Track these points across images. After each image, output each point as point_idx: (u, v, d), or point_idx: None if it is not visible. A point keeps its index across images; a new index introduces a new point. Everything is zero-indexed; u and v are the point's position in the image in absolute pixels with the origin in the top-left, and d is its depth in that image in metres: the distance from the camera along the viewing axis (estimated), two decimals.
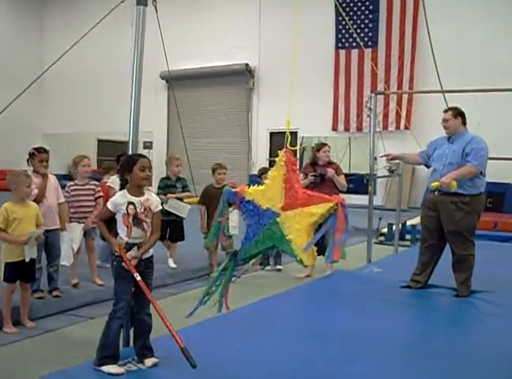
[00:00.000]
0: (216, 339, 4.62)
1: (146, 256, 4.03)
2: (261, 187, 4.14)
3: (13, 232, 4.99)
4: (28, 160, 5.87)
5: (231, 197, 4.20)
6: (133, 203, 3.96)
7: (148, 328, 4.07)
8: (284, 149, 4.16)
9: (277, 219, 3.97)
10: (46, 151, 5.91)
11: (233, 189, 4.26)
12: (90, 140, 23.20)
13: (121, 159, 4.16)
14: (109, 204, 3.97)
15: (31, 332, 5.07)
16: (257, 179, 7.80)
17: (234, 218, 7.43)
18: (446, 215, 6.08)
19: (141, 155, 4.14)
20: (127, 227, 3.94)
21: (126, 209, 3.93)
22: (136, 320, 4.08)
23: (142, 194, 4.03)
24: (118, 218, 3.96)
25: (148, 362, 3.97)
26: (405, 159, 7.13)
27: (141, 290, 3.96)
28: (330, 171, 7.30)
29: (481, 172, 6.01)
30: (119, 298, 3.96)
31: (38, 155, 5.81)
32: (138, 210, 3.98)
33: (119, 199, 3.97)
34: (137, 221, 3.97)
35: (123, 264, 3.88)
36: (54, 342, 4.88)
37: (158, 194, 7.14)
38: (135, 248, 3.95)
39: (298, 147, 17.15)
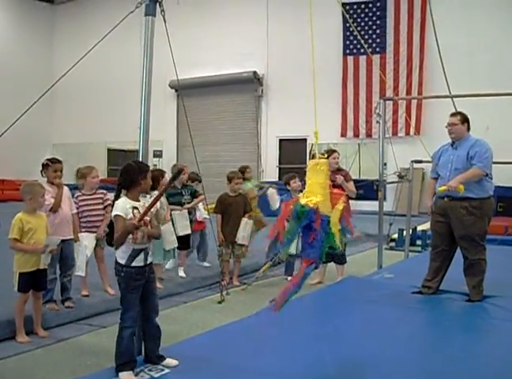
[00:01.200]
0: (228, 347, 4.62)
1: (149, 261, 4.05)
2: (319, 198, 3.83)
3: (28, 242, 5.02)
4: (41, 171, 5.89)
5: (310, 217, 3.75)
6: (137, 207, 3.98)
7: (160, 332, 4.14)
8: (319, 156, 4.10)
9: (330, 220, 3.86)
10: (59, 162, 5.93)
11: (308, 208, 3.76)
12: (100, 149, 23.32)
13: (133, 165, 4.07)
14: (119, 212, 3.89)
15: (44, 341, 5.08)
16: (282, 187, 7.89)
17: (246, 229, 7.46)
18: (456, 221, 6.07)
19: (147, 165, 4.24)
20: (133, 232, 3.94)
21: (133, 214, 3.94)
22: (149, 325, 4.11)
23: (139, 200, 4.06)
24: None
25: (171, 362, 4.07)
26: (433, 193, 6.56)
27: (150, 294, 4.04)
28: (340, 178, 7.28)
29: (487, 174, 5.99)
30: (128, 307, 3.98)
31: (52, 166, 5.83)
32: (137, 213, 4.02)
33: (124, 204, 3.94)
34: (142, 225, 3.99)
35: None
36: (66, 351, 4.89)
37: (172, 209, 7.16)
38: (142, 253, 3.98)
39: (317, 152, 17.06)
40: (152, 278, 4.14)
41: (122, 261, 3.94)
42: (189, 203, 7.58)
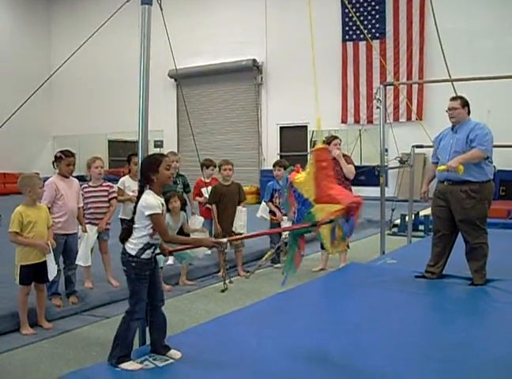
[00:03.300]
0: (233, 334, 4.64)
1: (155, 253, 4.05)
2: (301, 179, 4.29)
3: (28, 235, 5.02)
4: (53, 162, 5.87)
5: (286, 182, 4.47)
6: (163, 204, 4.00)
7: (166, 321, 4.16)
8: (315, 147, 4.43)
9: (311, 209, 4.14)
10: (73, 155, 5.89)
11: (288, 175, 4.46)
12: (101, 140, 23.29)
13: (144, 161, 4.09)
14: (158, 210, 3.86)
15: (48, 332, 5.10)
16: (269, 175, 7.92)
17: (242, 217, 7.44)
18: (456, 205, 6.07)
19: (163, 155, 4.16)
20: (153, 228, 3.92)
21: (162, 210, 3.93)
22: (156, 314, 4.11)
23: (161, 196, 4.04)
24: (145, 220, 3.90)
25: (176, 354, 4.07)
26: (432, 177, 6.72)
27: (156, 284, 4.07)
28: (335, 152, 7.29)
29: (488, 157, 5.97)
30: (139, 298, 3.96)
31: (65, 159, 5.79)
32: (164, 210, 4.03)
33: (156, 201, 3.90)
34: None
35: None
36: (71, 342, 4.91)
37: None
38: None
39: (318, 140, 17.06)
40: (157, 269, 4.14)
41: (133, 252, 3.91)
42: (181, 193, 7.32)
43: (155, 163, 3.96)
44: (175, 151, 7.95)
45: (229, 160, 7.81)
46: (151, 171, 3.94)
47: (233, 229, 7.38)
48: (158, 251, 4.11)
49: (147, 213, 3.84)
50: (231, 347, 4.32)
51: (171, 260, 7.33)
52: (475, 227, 6.05)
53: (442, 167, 5.94)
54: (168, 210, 6.22)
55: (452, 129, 6.28)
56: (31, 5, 24.25)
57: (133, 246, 3.93)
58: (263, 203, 8.11)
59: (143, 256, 3.92)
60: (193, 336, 4.56)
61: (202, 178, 7.91)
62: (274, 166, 7.97)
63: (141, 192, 3.99)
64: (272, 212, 7.89)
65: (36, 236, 5.05)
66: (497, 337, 4.58)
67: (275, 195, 7.81)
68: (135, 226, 3.93)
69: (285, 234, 7.38)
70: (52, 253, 5.16)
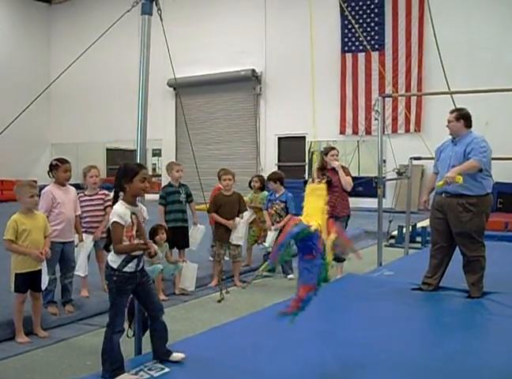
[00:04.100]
0: (229, 345, 4.62)
1: (140, 266, 3.99)
2: (318, 221, 3.93)
3: (22, 243, 5.00)
4: (48, 172, 5.85)
5: (313, 239, 3.82)
6: (134, 213, 3.92)
7: (167, 329, 4.14)
8: (317, 181, 4.25)
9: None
10: (68, 162, 5.88)
11: (311, 229, 3.80)
12: (99, 149, 23.30)
13: (121, 167, 4.02)
14: (118, 219, 3.80)
15: (43, 341, 5.08)
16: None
17: (240, 229, 7.41)
18: (453, 217, 6.07)
19: (142, 166, 4.06)
20: (130, 239, 3.87)
21: (131, 220, 3.88)
22: (157, 324, 4.10)
23: (136, 204, 3.98)
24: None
25: (178, 356, 4.10)
26: (431, 187, 6.64)
27: (150, 295, 4.04)
28: (335, 163, 7.32)
29: (482, 170, 5.92)
30: (118, 311, 3.92)
31: (62, 166, 5.77)
32: (140, 220, 3.98)
33: (122, 210, 3.86)
34: (138, 232, 3.95)
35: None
36: (66, 351, 4.89)
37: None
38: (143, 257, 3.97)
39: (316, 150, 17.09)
40: (146, 280, 4.07)
41: (115, 265, 3.86)
42: (184, 202, 7.32)
43: (130, 172, 3.91)
44: (175, 161, 7.89)
45: (229, 170, 7.77)
46: (124, 180, 3.89)
47: (230, 240, 7.35)
48: (143, 264, 4.05)
49: (110, 221, 3.83)
50: (227, 358, 4.30)
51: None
52: (472, 240, 6.04)
53: (441, 183, 5.92)
54: (154, 241, 6.25)
55: (452, 141, 6.29)
56: (30, 13, 24.29)
57: (114, 258, 3.88)
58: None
59: (125, 269, 3.85)
60: (189, 346, 4.53)
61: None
62: (268, 180, 7.99)
63: (115, 198, 3.94)
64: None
65: (31, 245, 5.03)
66: (494, 350, 4.57)
67: (268, 205, 7.83)
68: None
69: (268, 242, 7.45)
70: (45, 263, 5.13)
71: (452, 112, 6.32)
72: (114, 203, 3.94)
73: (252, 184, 8.48)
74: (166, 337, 4.14)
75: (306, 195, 4.09)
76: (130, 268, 3.88)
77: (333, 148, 7.63)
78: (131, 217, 3.88)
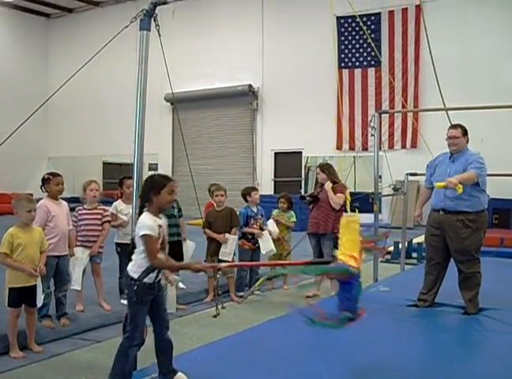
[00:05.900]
0: (225, 360, 4.60)
1: (158, 278, 3.96)
2: (357, 257, 4.09)
3: (17, 257, 4.98)
4: (41, 186, 5.84)
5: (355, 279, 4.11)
6: (161, 225, 3.89)
7: (172, 346, 4.08)
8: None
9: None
10: (60, 175, 5.89)
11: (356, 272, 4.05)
12: (96, 163, 23.30)
13: (148, 179, 4.00)
14: (150, 232, 3.75)
15: (37, 356, 5.04)
16: (263, 199, 7.95)
17: (228, 245, 7.37)
18: (452, 234, 6.06)
19: (170, 179, 4.03)
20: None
21: (158, 233, 3.85)
22: (163, 340, 4.04)
23: (160, 217, 3.95)
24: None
25: (182, 377, 4.05)
26: (424, 201, 6.75)
27: (162, 310, 4.02)
28: (327, 185, 7.37)
29: (479, 184, 5.95)
30: (138, 323, 3.87)
31: (54, 179, 5.76)
32: (165, 232, 3.95)
33: (152, 221, 3.82)
34: (162, 245, 3.91)
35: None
36: (60, 366, 4.85)
37: None
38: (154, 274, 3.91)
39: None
40: (161, 294, 4.08)
41: (135, 275, 3.82)
42: (177, 217, 7.11)
43: (159, 184, 3.89)
44: (170, 175, 7.87)
45: (221, 185, 7.75)
46: (152, 192, 3.86)
47: (220, 256, 7.33)
48: (161, 276, 4.03)
49: (140, 234, 3.79)
50: (222, 374, 4.28)
51: (182, 284, 7.29)
52: (470, 257, 6.05)
53: (441, 184, 5.84)
54: None
55: (450, 157, 6.27)
56: (29, 26, 24.40)
57: (135, 269, 3.85)
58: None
59: (145, 279, 3.83)
60: (184, 362, 4.50)
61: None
62: (252, 190, 7.97)
63: (141, 211, 3.91)
64: (245, 238, 7.81)
65: (26, 259, 5.00)
66: (490, 366, 4.56)
67: (250, 222, 7.75)
68: (136, 250, 3.87)
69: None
70: (40, 280, 5.10)
71: (455, 128, 6.27)
72: (139, 214, 3.90)
73: (280, 205, 8.33)
74: (171, 355, 4.07)
75: (341, 227, 4.17)
76: (150, 278, 3.85)
77: (330, 166, 7.72)
78: (158, 229, 3.85)
